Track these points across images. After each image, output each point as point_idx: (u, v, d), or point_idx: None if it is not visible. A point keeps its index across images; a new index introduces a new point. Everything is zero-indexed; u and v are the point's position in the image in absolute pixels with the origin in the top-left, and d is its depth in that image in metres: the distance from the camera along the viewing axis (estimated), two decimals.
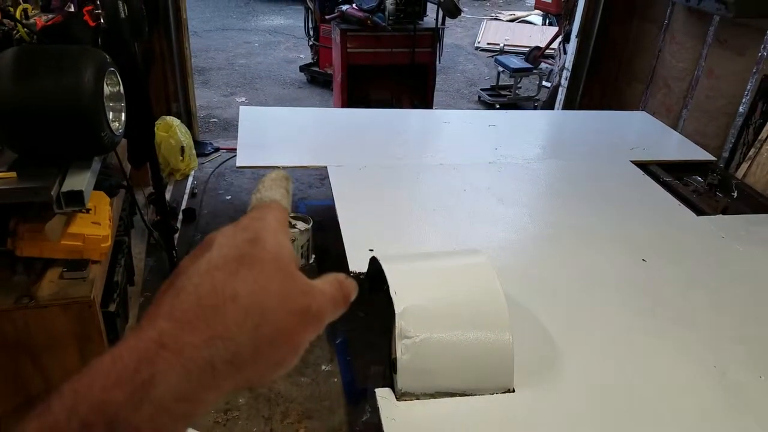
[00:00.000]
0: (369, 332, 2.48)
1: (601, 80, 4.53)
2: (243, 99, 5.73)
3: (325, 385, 2.30)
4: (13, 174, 1.57)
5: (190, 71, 4.11)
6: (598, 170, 2.82)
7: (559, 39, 5.20)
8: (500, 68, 6.05)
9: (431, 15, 4.62)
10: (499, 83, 6.22)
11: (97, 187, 1.79)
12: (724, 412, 1.46)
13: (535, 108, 5.80)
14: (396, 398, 1.39)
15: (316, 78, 6.21)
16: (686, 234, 2.30)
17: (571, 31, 4.59)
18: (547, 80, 6.03)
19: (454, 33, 8.45)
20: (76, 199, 1.60)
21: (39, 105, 1.54)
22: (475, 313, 1.42)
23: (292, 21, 8.74)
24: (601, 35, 4.39)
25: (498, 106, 5.84)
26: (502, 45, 7.77)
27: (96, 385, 0.30)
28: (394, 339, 1.39)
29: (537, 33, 8.04)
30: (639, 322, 1.75)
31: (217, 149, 4.29)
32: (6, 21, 1.82)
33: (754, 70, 3.24)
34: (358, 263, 1.85)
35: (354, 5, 4.52)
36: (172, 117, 3.80)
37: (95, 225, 1.79)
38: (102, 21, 2.04)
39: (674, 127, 3.64)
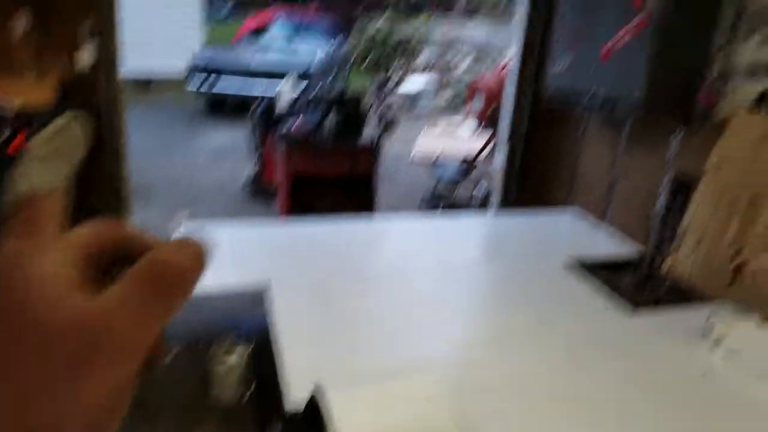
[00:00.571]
0: None
1: (531, 182, 4.80)
2: (185, 217, 5.74)
3: None
4: None
5: (127, 193, 4.13)
6: (535, 270, 2.93)
7: (490, 145, 5.53)
8: (437, 175, 6.33)
9: (371, 129, 4.87)
10: (438, 189, 6.48)
11: None
12: None
13: (473, 211, 6.04)
14: None
15: (260, 191, 6.32)
16: (623, 330, 2.38)
17: (499, 138, 4.90)
18: (481, 184, 6.33)
19: (393, 144, 8.85)
20: None
21: None
22: None
23: (237, 137, 8.98)
24: (528, 141, 4.71)
25: (438, 211, 6.05)
26: (438, 153, 8.17)
27: None
28: None
29: (470, 140, 8.52)
30: (577, 422, 1.77)
31: None
32: None
33: (666, 168, 3.52)
34: (297, 395, 1.80)
35: (296, 123, 4.73)
36: None
37: None
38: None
39: (602, 224, 3.85)
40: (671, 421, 1.81)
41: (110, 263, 0.29)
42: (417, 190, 6.98)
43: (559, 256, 3.08)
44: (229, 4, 21.49)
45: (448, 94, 12.79)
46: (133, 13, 11.23)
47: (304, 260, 2.97)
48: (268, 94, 6.01)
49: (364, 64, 14.67)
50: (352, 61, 14.13)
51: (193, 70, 10.31)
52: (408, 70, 13.85)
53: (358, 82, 13.07)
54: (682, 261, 3.17)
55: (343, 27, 15.34)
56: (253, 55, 10.88)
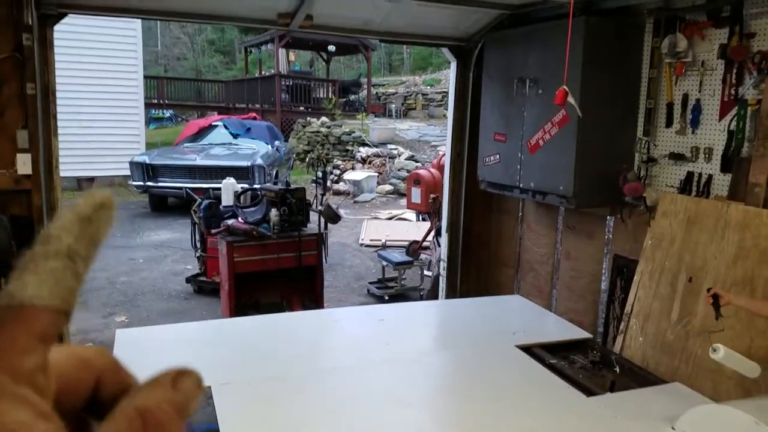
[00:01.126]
0: None
1: (475, 268, 4.86)
2: (123, 318, 5.46)
3: None
4: None
5: None
6: (486, 358, 2.89)
7: (433, 233, 5.63)
8: (384, 262, 6.35)
9: (315, 221, 4.87)
10: (385, 276, 6.48)
11: None
12: None
13: (421, 297, 6.03)
14: None
15: (203, 288, 6.13)
16: (579, 416, 2.34)
17: (441, 226, 5.00)
18: (428, 270, 6.38)
19: (339, 233, 8.88)
20: None
21: None
22: None
23: (179, 234, 8.80)
24: (467, 228, 4.82)
25: (386, 298, 6.02)
26: (383, 241, 8.26)
27: None
28: None
29: (413, 228, 8.67)
30: None
31: None
32: None
33: (605, 251, 3.65)
34: None
35: (239, 219, 4.68)
36: None
37: None
38: None
39: (548, 307, 3.91)
40: None
41: (87, 398, 0.26)
42: (363, 276, 6.95)
43: (509, 343, 3.06)
44: (170, 111, 21.86)
45: (387, 186, 13.14)
46: (78, 116, 11.25)
47: (249, 359, 2.83)
48: (211, 191, 5.99)
49: (306, 161, 14.98)
50: (293, 158, 14.40)
51: (136, 169, 10.26)
52: (348, 166, 14.22)
53: (300, 178, 13.27)
54: (631, 342, 3.22)
55: (282, 130, 15.78)
56: (195, 154, 10.95)
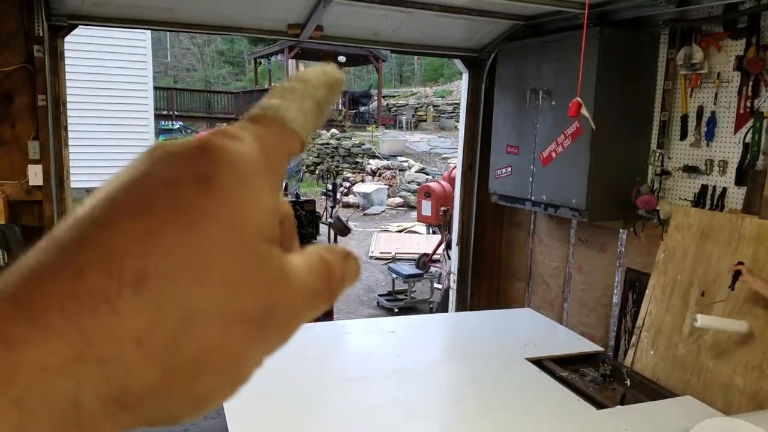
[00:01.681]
0: None
1: (486, 281, 4.82)
2: None
3: None
4: None
5: None
6: (497, 371, 2.86)
7: (443, 246, 5.60)
8: (394, 275, 6.32)
9: (325, 233, 4.86)
10: (395, 288, 6.45)
11: None
12: None
13: (431, 310, 5.99)
14: None
15: None
16: (589, 429, 2.31)
17: (451, 239, 4.97)
18: (438, 282, 6.34)
19: (349, 245, 8.82)
20: None
21: None
22: None
23: None
24: (478, 241, 4.79)
25: (396, 310, 5.98)
26: (393, 253, 8.22)
27: None
28: None
29: (424, 241, 8.65)
30: None
31: None
32: None
33: (617, 264, 3.61)
34: None
35: None
36: None
37: None
38: None
39: (559, 320, 3.86)
40: None
41: None
42: (373, 288, 6.93)
43: (519, 355, 3.02)
44: (179, 123, 22.04)
45: (398, 199, 13.13)
46: (88, 127, 11.35)
47: (259, 370, 2.80)
48: None
49: (316, 173, 15.02)
50: (303, 170, 14.44)
51: None
52: (358, 178, 14.24)
53: (310, 190, 13.30)
54: (642, 356, 3.17)
55: None
56: None
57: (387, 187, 13.58)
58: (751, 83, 2.90)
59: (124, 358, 0.19)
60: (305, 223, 4.61)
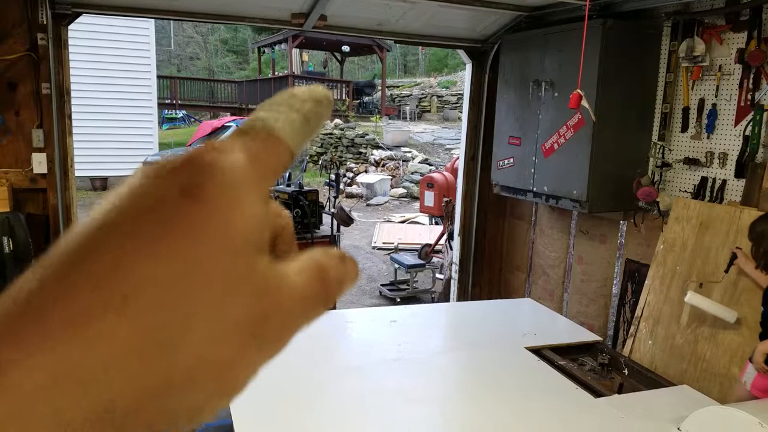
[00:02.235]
0: None
1: (487, 271, 4.85)
2: None
3: None
4: None
5: None
6: (496, 359, 2.90)
7: (445, 237, 5.63)
8: (396, 265, 6.36)
9: (327, 224, 4.89)
10: (397, 278, 6.49)
11: None
12: None
13: (433, 299, 6.03)
14: None
15: None
16: (587, 417, 2.34)
17: (453, 230, 5.00)
18: (440, 273, 6.38)
19: (351, 235, 8.91)
20: None
21: None
22: None
23: None
24: (480, 232, 4.81)
25: (398, 300, 6.03)
26: (396, 244, 8.27)
27: None
28: None
29: (426, 232, 8.67)
30: None
31: None
32: None
33: (617, 255, 3.63)
34: None
35: None
36: None
37: None
38: None
39: (558, 310, 3.89)
40: None
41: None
42: (376, 278, 6.98)
43: (519, 344, 3.06)
44: (182, 112, 21.99)
45: (401, 189, 13.15)
46: (92, 115, 11.36)
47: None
48: None
49: (319, 163, 15.04)
50: (306, 160, 14.46)
51: None
52: (361, 169, 14.26)
53: (313, 180, 13.32)
54: (640, 346, 3.21)
55: None
56: None
57: (390, 177, 13.59)
58: (752, 76, 2.91)
59: (113, 370, 0.19)
60: (308, 213, 4.63)
